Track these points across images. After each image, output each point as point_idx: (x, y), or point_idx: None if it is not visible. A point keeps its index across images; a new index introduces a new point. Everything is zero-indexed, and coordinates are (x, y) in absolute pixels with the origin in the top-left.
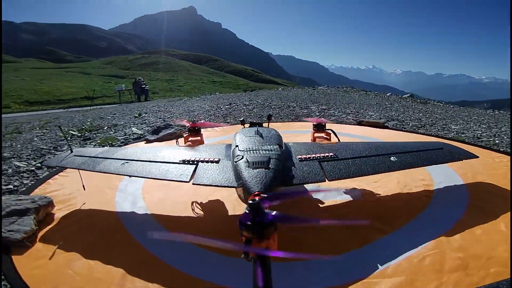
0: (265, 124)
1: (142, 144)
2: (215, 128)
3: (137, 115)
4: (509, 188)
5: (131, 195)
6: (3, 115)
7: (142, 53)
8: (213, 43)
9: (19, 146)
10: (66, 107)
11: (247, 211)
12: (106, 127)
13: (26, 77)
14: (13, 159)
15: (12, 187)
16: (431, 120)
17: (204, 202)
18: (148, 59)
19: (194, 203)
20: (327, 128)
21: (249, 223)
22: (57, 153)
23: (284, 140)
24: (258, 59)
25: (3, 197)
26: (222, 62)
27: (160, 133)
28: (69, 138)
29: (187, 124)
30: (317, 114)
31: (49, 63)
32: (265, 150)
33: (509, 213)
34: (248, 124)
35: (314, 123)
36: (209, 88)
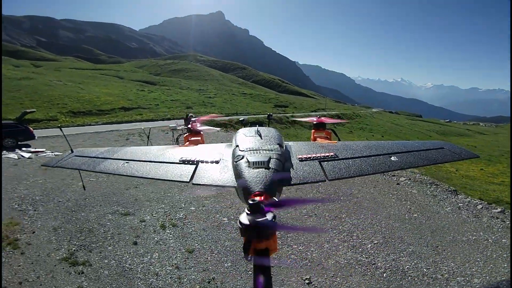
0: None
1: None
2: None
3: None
4: None
5: None
6: (52, 128)
7: (171, 57)
8: (240, 49)
9: None
10: (106, 122)
11: (247, 211)
12: None
13: (67, 81)
14: None
15: None
16: None
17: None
18: (178, 65)
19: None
20: (327, 127)
21: (249, 223)
22: None
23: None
24: (284, 67)
25: None
26: (250, 70)
27: None
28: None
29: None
30: None
31: (86, 63)
32: (265, 149)
33: None
34: (249, 124)
35: (314, 123)
36: (240, 101)
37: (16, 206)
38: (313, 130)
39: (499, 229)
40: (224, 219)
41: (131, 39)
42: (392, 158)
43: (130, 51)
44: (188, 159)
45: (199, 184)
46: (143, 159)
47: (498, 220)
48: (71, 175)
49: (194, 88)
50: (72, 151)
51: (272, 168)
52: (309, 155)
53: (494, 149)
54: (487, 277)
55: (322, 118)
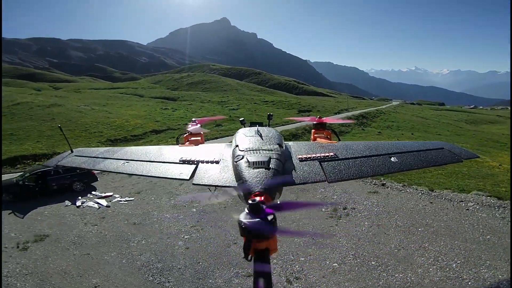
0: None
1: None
2: None
3: None
4: None
5: None
6: None
7: (184, 69)
8: (250, 53)
9: None
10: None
11: (248, 211)
12: None
13: (92, 104)
14: None
15: None
16: None
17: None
18: (194, 78)
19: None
20: (327, 127)
21: (249, 223)
22: None
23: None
24: (297, 67)
25: None
26: (265, 75)
27: None
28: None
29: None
30: None
31: (103, 82)
32: (265, 150)
33: None
34: (248, 124)
35: (315, 123)
36: (264, 110)
37: (150, 277)
38: (313, 130)
39: None
40: None
41: (141, 54)
42: (392, 159)
43: (142, 66)
44: (188, 159)
45: (199, 184)
46: (143, 159)
47: None
48: (170, 236)
49: (215, 101)
50: (72, 151)
51: (272, 168)
52: (309, 155)
53: None
54: None
55: (324, 118)
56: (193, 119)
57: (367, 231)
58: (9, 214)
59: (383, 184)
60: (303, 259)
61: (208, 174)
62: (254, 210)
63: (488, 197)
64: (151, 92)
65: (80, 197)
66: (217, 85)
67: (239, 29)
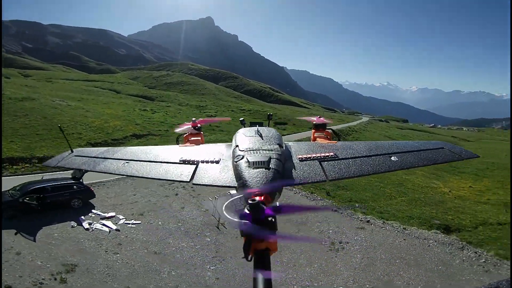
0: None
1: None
2: None
3: None
4: None
5: None
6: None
7: (162, 66)
8: (230, 55)
9: None
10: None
11: (248, 211)
12: None
13: (66, 98)
14: None
15: None
16: None
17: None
18: (173, 78)
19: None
20: (327, 127)
21: (249, 223)
22: None
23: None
24: (273, 73)
25: None
26: (241, 79)
27: None
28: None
29: (188, 125)
30: None
31: (76, 72)
32: (265, 149)
33: None
34: (248, 124)
35: (315, 123)
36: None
37: None
38: (313, 130)
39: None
40: None
41: (120, 45)
42: (393, 158)
43: (119, 57)
44: (188, 159)
45: (199, 184)
46: (143, 159)
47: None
48: (196, 267)
49: (193, 105)
50: (72, 151)
51: (272, 168)
52: (309, 155)
53: (480, 160)
54: None
55: (323, 118)
56: (193, 119)
57: (360, 262)
58: (15, 234)
59: (368, 221)
60: (316, 284)
61: (208, 174)
62: (254, 210)
63: (442, 235)
64: (128, 88)
65: (83, 217)
66: (196, 87)
67: (221, 30)
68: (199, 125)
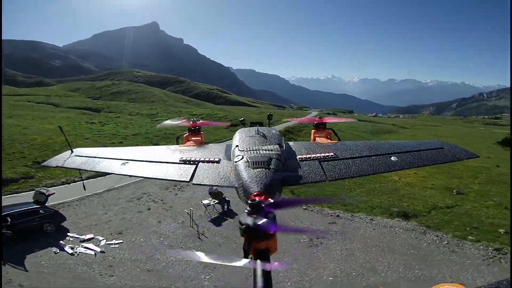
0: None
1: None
2: None
3: None
4: None
5: None
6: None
7: (105, 75)
8: (176, 59)
9: None
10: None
11: (248, 211)
12: None
13: None
14: None
15: None
16: None
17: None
18: (120, 87)
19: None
20: (327, 127)
21: (249, 223)
22: None
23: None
24: (219, 74)
25: None
26: (189, 83)
27: None
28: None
29: (188, 124)
30: None
31: (4, 86)
32: (265, 150)
33: None
34: (248, 124)
35: (315, 123)
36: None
37: None
38: (313, 130)
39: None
40: None
41: (54, 56)
42: (392, 158)
43: (54, 69)
44: (188, 159)
45: (199, 184)
46: (143, 159)
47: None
48: (193, 278)
49: (144, 113)
50: (72, 151)
51: (272, 168)
52: (309, 155)
53: None
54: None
55: (324, 118)
56: (193, 119)
57: (341, 253)
58: (4, 264)
59: (337, 216)
60: (307, 278)
61: (208, 174)
62: (254, 210)
63: (404, 222)
64: (68, 101)
65: (62, 242)
66: (144, 95)
67: (167, 34)
68: (199, 126)
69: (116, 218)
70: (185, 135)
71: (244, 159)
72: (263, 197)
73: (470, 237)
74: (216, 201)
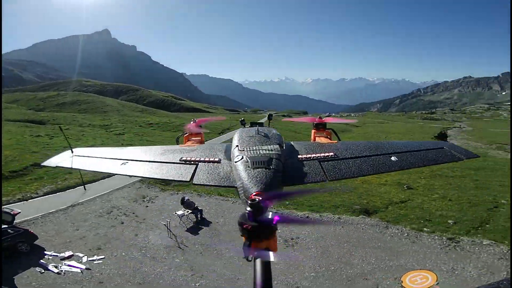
0: (265, 124)
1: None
2: None
3: None
4: None
5: None
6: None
7: (48, 85)
8: (129, 67)
9: None
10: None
11: (248, 211)
12: None
13: None
14: None
15: None
16: None
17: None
18: (66, 98)
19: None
20: (327, 127)
21: (249, 223)
22: None
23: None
24: (173, 81)
25: None
26: (143, 91)
27: None
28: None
29: (189, 126)
30: None
31: None
32: (265, 150)
33: None
34: (249, 124)
35: (315, 123)
36: (152, 134)
37: None
38: (313, 130)
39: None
40: None
41: None
42: (393, 158)
43: None
44: (188, 159)
45: (199, 184)
46: (144, 159)
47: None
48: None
49: (97, 124)
50: (72, 151)
51: (273, 168)
52: (309, 155)
53: None
54: None
55: (325, 118)
56: (194, 118)
57: (316, 251)
58: None
59: (307, 217)
60: (291, 276)
61: (208, 174)
62: (255, 210)
63: (368, 219)
64: (6, 113)
65: (42, 261)
66: (96, 105)
67: (119, 42)
68: (200, 125)
69: (90, 234)
70: (185, 135)
71: (244, 159)
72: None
73: (425, 229)
74: (190, 211)
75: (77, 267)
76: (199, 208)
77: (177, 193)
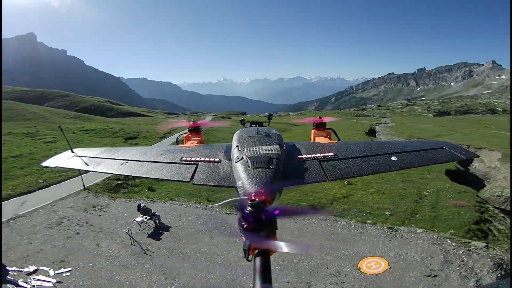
0: (265, 124)
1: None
2: None
3: None
4: None
5: None
6: None
7: None
8: (59, 73)
9: None
10: None
11: (248, 211)
12: None
13: None
14: None
15: None
16: None
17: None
18: None
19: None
20: (327, 127)
21: (249, 223)
22: None
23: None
24: (109, 85)
25: None
26: (75, 97)
27: None
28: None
29: (188, 124)
30: None
31: None
32: (265, 150)
33: None
34: (249, 124)
35: (315, 122)
36: (89, 141)
37: None
38: (313, 130)
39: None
40: None
41: None
42: (393, 158)
43: None
44: (188, 159)
45: (199, 184)
46: (143, 159)
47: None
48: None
49: (19, 132)
50: (72, 151)
51: (273, 168)
52: (309, 155)
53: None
54: None
55: (323, 118)
56: (193, 119)
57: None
58: None
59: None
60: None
61: (208, 174)
62: (255, 210)
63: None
64: None
65: (9, 277)
66: (17, 113)
67: (46, 46)
68: (200, 125)
69: (47, 247)
70: (185, 135)
71: (244, 159)
72: (263, 197)
73: (368, 221)
74: (148, 217)
75: (48, 281)
76: (156, 213)
77: (129, 200)
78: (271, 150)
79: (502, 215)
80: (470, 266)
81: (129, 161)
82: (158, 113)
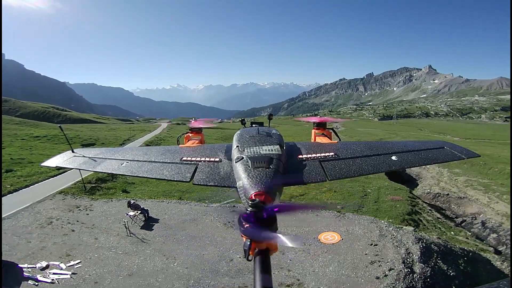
0: (266, 124)
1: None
2: None
3: None
4: None
5: None
6: None
7: None
8: None
9: None
10: None
11: (248, 211)
12: None
13: None
14: None
15: None
16: None
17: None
18: None
19: None
20: (328, 127)
21: (248, 223)
22: None
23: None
24: (53, 90)
25: None
26: (14, 102)
27: None
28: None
29: (188, 124)
30: None
31: None
32: (265, 150)
33: None
34: (249, 124)
35: (315, 122)
36: (42, 147)
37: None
38: (313, 130)
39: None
40: None
41: None
42: (393, 158)
43: None
44: (188, 159)
45: (199, 184)
46: (144, 159)
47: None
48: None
49: None
50: (72, 151)
51: (273, 168)
52: (310, 155)
53: None
54: None
55: (324, 117)
56: (193, 117)
57: (239, 236)
58: None
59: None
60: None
61: (209, 174)
62: (255, 209)
63: None
64: None
65: (26, 274)
66: None
67: None
68: (200, 125)
69: (47, 244)
70: (185, 135)
71: (245, 159)
72: (263, 197)
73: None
74: (139, 211)
75: (64, 273)
76: (146, 208)
77: (111, 200)
78: (271, 150)
79: (429, 208)
80: (399, 239)
81: (129, 161)
82: (110, 119)
